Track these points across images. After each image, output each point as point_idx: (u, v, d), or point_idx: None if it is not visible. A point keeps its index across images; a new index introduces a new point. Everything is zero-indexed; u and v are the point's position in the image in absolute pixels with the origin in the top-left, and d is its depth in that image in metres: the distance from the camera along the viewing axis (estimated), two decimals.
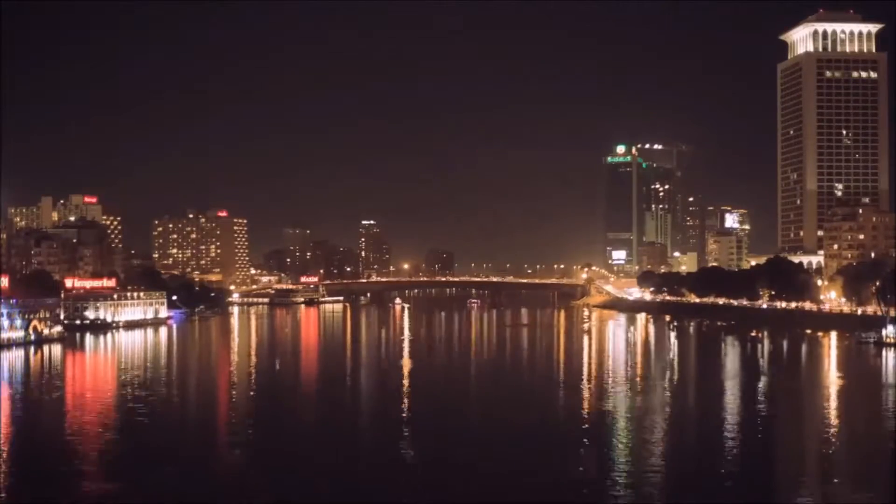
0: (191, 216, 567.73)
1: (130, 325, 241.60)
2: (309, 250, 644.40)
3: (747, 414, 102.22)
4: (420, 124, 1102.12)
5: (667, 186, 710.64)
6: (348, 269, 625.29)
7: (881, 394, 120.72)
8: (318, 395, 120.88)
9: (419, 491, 66.91)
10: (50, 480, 70.14)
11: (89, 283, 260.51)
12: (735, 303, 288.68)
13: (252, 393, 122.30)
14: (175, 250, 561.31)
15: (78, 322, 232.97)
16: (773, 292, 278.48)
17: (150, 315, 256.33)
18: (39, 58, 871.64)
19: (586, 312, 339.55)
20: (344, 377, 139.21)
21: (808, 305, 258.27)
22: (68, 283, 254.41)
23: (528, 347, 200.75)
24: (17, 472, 73.45)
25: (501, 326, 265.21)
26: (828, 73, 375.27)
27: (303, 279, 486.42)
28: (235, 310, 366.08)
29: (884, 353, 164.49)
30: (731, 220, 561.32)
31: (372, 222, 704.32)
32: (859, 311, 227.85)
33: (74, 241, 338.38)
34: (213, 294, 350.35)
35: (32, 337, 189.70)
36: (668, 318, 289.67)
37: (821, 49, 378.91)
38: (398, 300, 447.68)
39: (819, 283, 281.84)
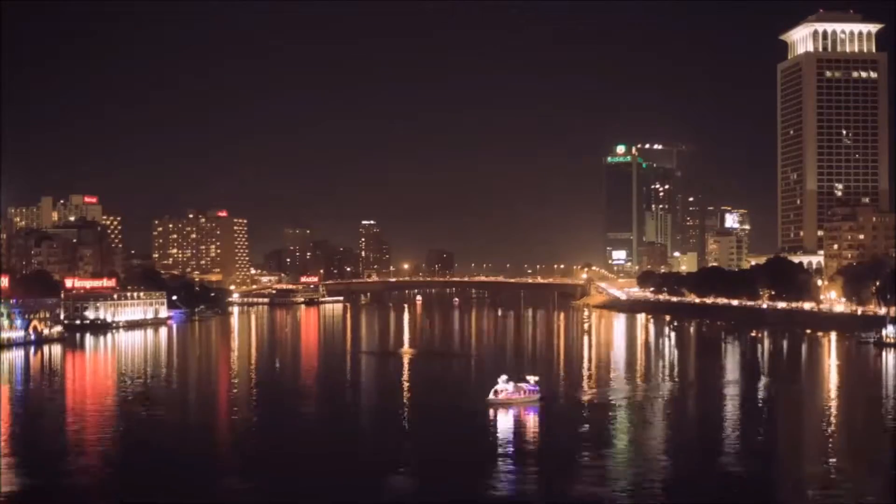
0: (191, 216, 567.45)
1: (130, 326, 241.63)
2: (309, 250, 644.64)
3: (747, 414, 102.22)
4: (420, 124, 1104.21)
5: (667, 186, 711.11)
6: (348, 269, 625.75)
7: (881, 394, 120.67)
8: (317, 396, 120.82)
9: (419, 491, 66.94)
10: (50, 480, 70.13)
11: (89, 284, 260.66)
12: (735, 303, 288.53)
13: (252, 393, 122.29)
14: (175, 250, 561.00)
15: (78, 322, 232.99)
16: (773, 292, 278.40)
17: (150, 315, 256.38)
18: (39, 57, 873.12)
19: (586, 312, 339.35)
20: (344, 377, 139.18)
21: (808, 305, 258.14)
22: (68, 283, 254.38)
23: (528, 347, 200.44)
24: (17, 471, 73.34)
25: (501, 325, 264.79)
26: (828, 73, 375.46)
27: (303, 279, 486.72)
28: (235, 310, 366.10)
29: (884, 353, 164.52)
30: (731, 220, 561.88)
31: (372, 222, 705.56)
32: (859, 312, 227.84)
33: (74, 241, 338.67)
34: (213, 294, 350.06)
35: (32, 337, 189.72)
36: (668, 318, 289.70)
37: (821, 49, 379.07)
38: (419, 298, 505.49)
39: (819, 283, 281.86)
